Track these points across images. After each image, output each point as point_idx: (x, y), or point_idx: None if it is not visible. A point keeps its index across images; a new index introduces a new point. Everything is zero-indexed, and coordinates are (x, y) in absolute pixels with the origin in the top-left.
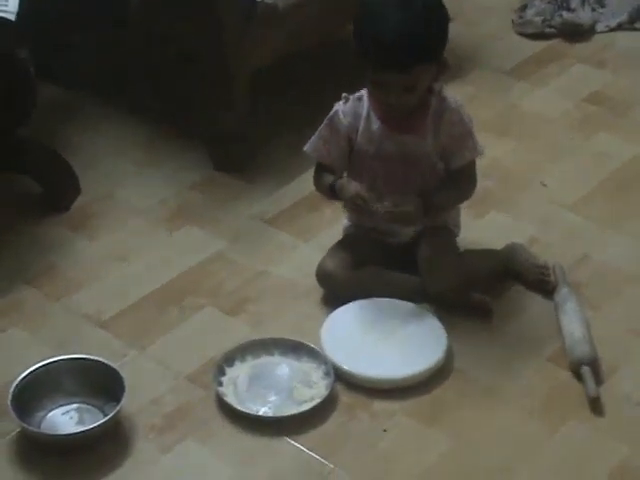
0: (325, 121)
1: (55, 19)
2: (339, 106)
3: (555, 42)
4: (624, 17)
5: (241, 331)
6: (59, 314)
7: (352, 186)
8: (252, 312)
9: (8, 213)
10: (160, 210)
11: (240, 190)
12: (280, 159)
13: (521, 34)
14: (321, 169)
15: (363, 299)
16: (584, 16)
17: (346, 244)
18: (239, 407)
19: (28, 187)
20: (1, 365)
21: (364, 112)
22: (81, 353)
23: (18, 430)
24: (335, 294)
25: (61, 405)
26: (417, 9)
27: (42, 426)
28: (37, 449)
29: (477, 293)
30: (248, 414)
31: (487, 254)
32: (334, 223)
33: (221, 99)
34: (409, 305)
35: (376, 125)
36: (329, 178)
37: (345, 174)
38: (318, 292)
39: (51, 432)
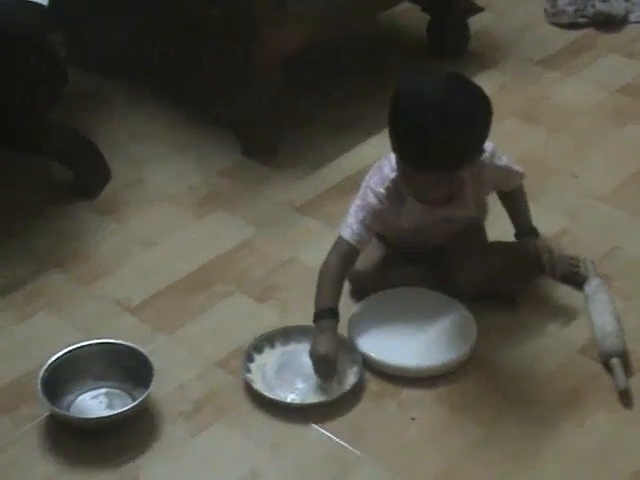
0: (368, 208)
1: (87, 4)
2: (380, 194)
3: (587, 32)
4: None
5: (269, 318)
6: (88, 299)
7: (322, 347)
8: (280, 299)
9: (38, 198)
10: (189, 196)
11: (269, 176)
12: (310, 146)
13: (553, 24)
14: (350, 254)
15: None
16: (617, 6)
17: (374, 240)
18: (267, 394)
19: (58, 173)
20: (30, 349)
21: (404, 194)
22: (110, 338)
23: (47, 414)
24: (364, 292)
25: (90, 389)
26: (458, 113)
27: (71, 410)
28: (66, 433)
29: (504, 284)
30: (276, 401)
31: (516, 247)
32: None
33: (251, 84)
34: (438, 294)
35: (416, 205)
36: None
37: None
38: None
39: (81, 416)
